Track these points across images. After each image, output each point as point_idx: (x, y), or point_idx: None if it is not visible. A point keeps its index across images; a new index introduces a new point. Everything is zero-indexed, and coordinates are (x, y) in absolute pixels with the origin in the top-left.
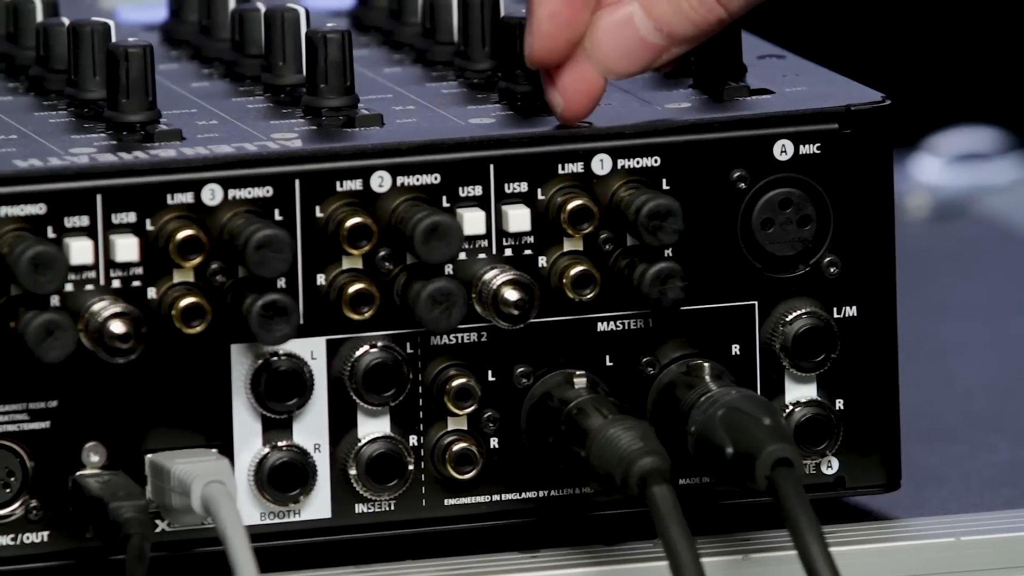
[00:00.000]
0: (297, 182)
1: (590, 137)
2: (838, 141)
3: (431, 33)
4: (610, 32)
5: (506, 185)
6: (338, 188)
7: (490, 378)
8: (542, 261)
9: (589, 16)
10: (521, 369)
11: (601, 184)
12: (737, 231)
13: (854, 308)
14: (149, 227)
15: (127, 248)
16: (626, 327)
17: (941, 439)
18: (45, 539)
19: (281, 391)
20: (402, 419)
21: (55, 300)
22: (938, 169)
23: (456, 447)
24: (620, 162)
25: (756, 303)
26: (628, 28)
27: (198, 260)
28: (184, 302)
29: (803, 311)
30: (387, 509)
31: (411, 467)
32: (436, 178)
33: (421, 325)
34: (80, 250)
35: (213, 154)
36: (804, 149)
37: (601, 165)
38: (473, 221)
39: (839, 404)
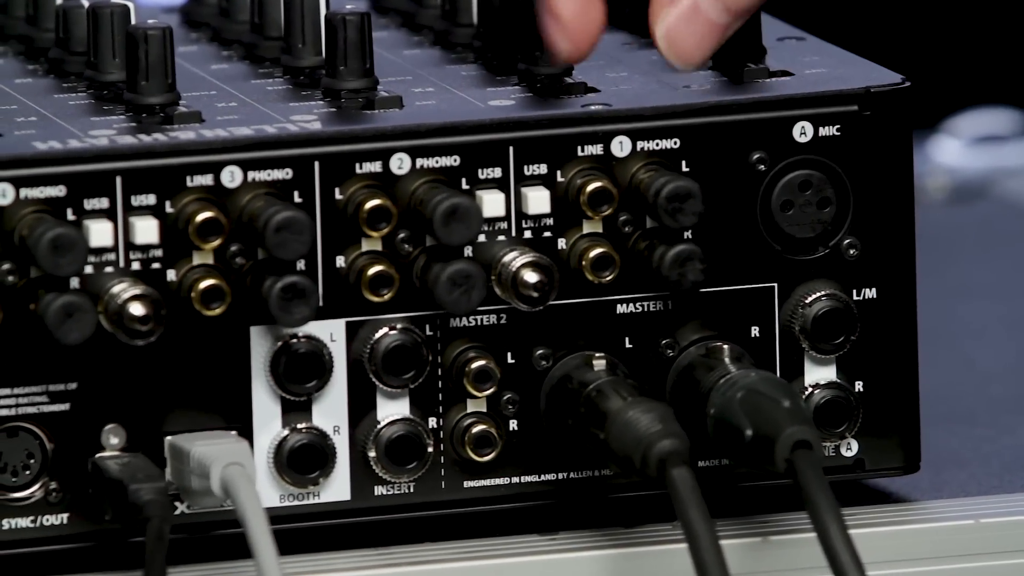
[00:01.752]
0: (316, 164)
1: (610, 119)
2: (858, 123)
3: (451, 15)
4: (680, 27)
5: (525, 167)
6: (357, 170)
7: (509, 360)
8: (561, 243)
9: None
10: (540, 351)
11: (621, 166)
12: (757, 213)
13: (873, 290)
14: (169, 209)
15: (147, 230)
16: (645, 309)
17: (960, 421)
18: (65, 521)
19: (300, 373)
20: (421, 401)
21: (75, 282)
22: (957, 151)
23: (475, 429)
24: (640, 144)
25: (776, 285)
26: (697, 16)
27: (218, 242)
28: (203, 284)
29: (822, 293)
30: (406, 491)
31: (430, 449)
32: (456, 160)
33: (440, 307)
34: (100, 232)
35: (233, 136)
36: (824, 131)
37: (621, 147)
38: (492, 203)
39: (858, 386)
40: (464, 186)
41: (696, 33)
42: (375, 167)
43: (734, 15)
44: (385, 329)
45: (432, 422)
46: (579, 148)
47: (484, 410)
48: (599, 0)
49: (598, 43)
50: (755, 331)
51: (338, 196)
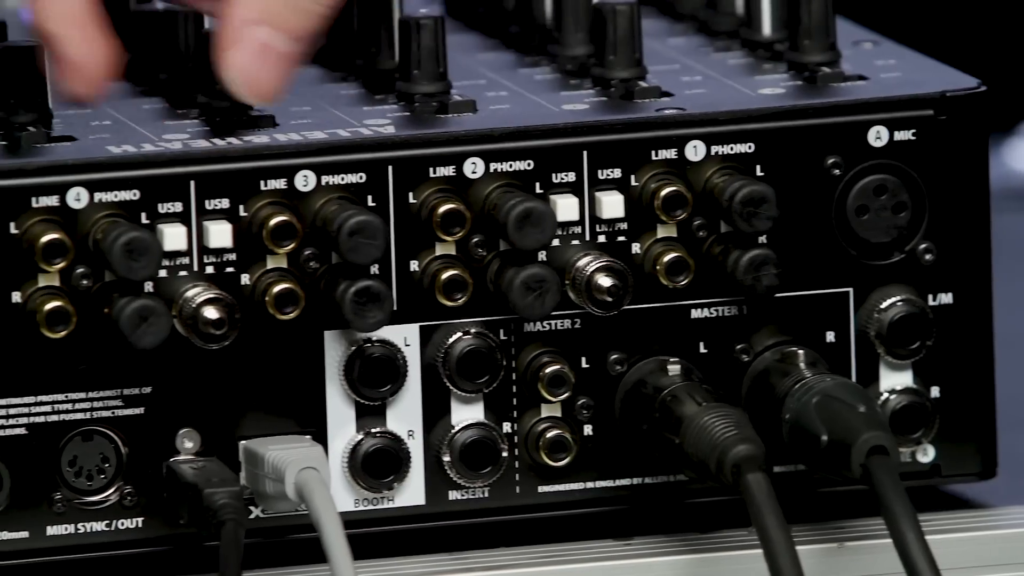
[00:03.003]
0: (390, 168)
1: (684, 123)
2: (933, 127)
3: (525, 19)
4: (251, 66)
5: (600, 171)
6: (431, 174)
7: (584, 365)
8: (635, 247)
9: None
10: (615, 356)
11: (695, 170)
12: (832, 218)
13: (949, 295)
14: (242, 213)
15: (220, 234)
16: (720, 314)
17: None
18: (139, 525)
19: (375, 377)
20: (496, 406)
21: (149, 286)
22: None
23: (550, 434)
24: (714, 148)
25: (851, 290)
26: (266, 52)
27: (291, 246)
28: (277, 288)
29: (898, 298)
30: (481, 496)
31: (505, 454)
32: (529, 164)
33: (515, 312)
34: (174, 236)
35: (306, 140)
36: (899, 135)
37: (695, 151)
38: (566, 207)
39: (935, 391)
40: (538, 190)
41: (269, 67)
42: (449, 171)
43: (303, 40)
44: (459, 334)
45: (506, 427)
46: (653, 152)
47: (559, 415)
48: (108, 41)
49: (111, 80)
50: (830, 336)
51: (412, 200)
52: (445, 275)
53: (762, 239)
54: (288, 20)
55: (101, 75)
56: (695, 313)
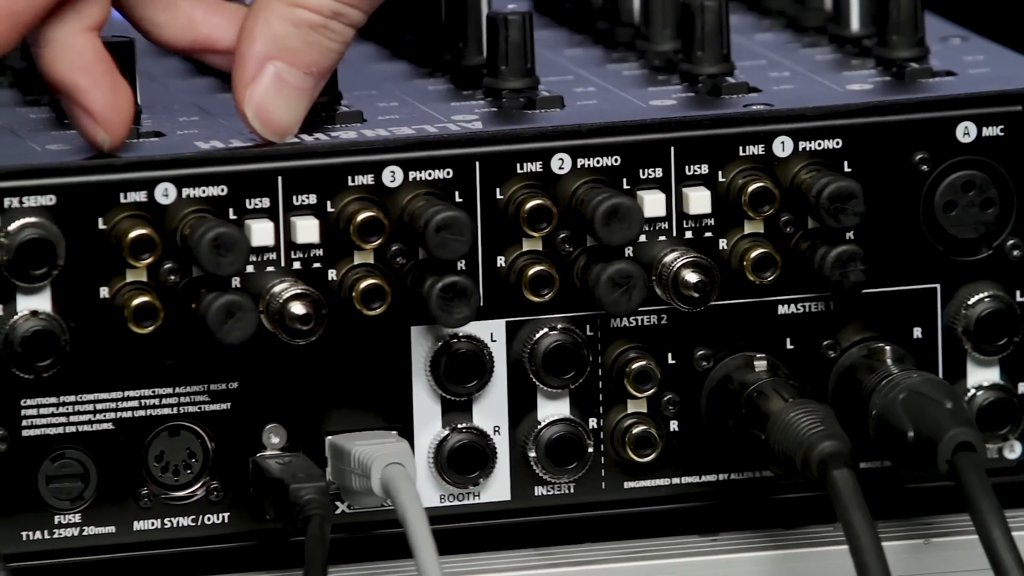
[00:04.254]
0: (477, 164)
1: (772, 119)
2: (1022, 123)
3: (613, 14)
4: (268, 102)
5: (687, 167)
6: (518, 170)
7: (670, 361)
8: (722, 243)
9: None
10: (701, 352)
11: (782, 166)
12: (919, 214)
13: None
14: (329, 209)
15: (308, 230)
16: (807, 310)
17: None
18: (226, 520)
19: (461, 373)
20: (582, 401)
21: (236, 282)
22: None
23: (636, 430)
24: (801, 144)
25: (938, 286)
26: (282, 87)
27: (378, 242)
28: (364, 284)
29: (986, 294)
30: (566, 492)
31: (591, 450)
32: (616, 160)
33: (601, 307)
34: (261, 231)
35: (394, 136)
36: (987, 131)
37: (782, 147)
38: (653, 203)
39: (1022, 388)
40: (625, 186)
41: (285, 103)
42: (536, 167)
43: (317, 76)
44: (545, 329)
45: (592, 422)
46: (740, 148)
47: (644, 411)
48: (125, 85)
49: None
50: (917, 332)
51: (499, 196)
52: (532, 271)
53: (849, 235)
54: (302, 55)
55: (124, 121)
56: (782, 309)
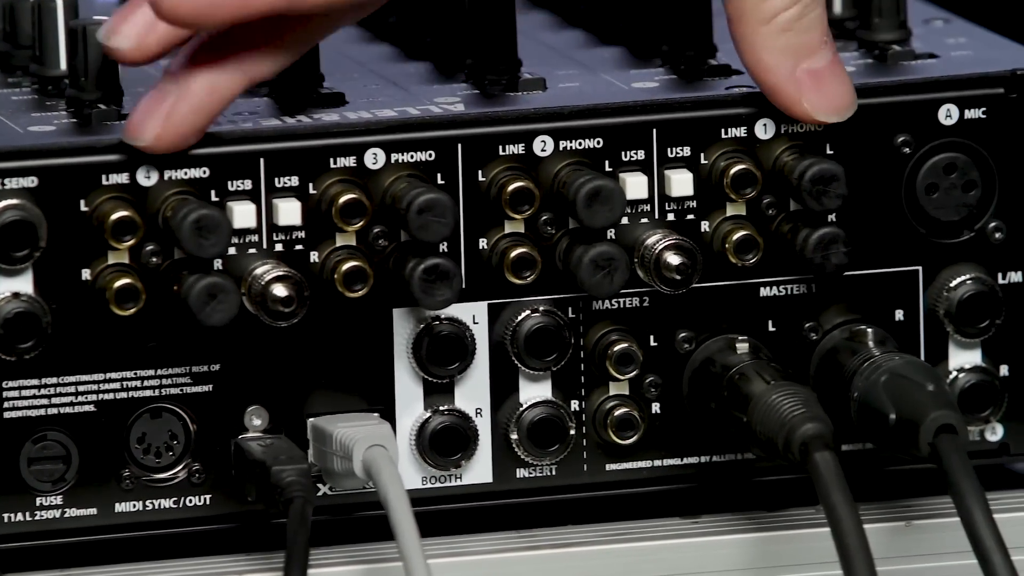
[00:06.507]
0: (459, 146)
1: (754, 101)
2: (1004, 106)
3: None
4: (832, 93)
5: (669, 149)
6: (500, 152)
7: (652, 343)
8: (705, 226)
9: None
10: (683, 334)
11: (764, 148)
12: (901, 196)
13: (1019, 273)
14: (311, 191)
15: (289, 212)
16: (789, 292)
17: None
18: (207, 502)
19: (443, 355)
20: (563, 384)
21: (218, 264)
22: None
23: (618, 412)
24: (783, 126)
25: (920, 268)
26: (822, 76)
27: (360, 224)
28: (346, 266)
29: (968, 276)
30: (548, 474)
31: (572, 432)
32: (598, 142)
33: (583, 290)
34: (243, 213)
35: (376, 118)
36: (969, 114)
37: (764, 130)
38: (635, 185)
39: (1003, 370)
40: (607, 168)
41: (839, 80)
42: (518, 149)
43: (830, 40)
44: (527, 311)
45: (574, 405)
46: (722, 131)
47: (626, 393)
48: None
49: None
50: (899, 315)
51: (481, 178)
52: (514, 253)
53: (831, 217)
54: (810, 39)
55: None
56: (764, 291)
